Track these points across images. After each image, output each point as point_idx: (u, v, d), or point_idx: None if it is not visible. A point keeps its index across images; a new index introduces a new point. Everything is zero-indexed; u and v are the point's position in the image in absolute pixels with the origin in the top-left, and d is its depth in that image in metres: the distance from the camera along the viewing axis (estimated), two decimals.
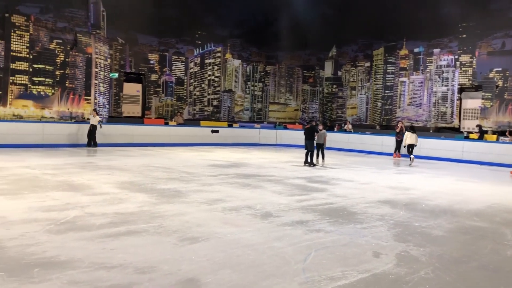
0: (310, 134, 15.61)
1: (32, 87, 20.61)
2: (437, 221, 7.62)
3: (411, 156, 17.90)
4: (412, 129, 18.53)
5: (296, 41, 29.65)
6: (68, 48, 21.55)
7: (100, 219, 6.62)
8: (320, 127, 16.43)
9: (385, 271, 4.91)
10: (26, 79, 20.47)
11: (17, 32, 20.15)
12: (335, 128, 26.72)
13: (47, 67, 21.00)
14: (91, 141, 19.51)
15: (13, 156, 14.89)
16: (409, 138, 18.16)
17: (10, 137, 18.04)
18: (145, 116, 24.68)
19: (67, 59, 21.57)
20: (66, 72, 21.57)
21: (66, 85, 21.56)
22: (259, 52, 29.82)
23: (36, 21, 20.63)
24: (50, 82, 21.11)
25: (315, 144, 15.78)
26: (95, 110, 20.14)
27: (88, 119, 20.20)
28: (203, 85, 27.39)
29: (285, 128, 27.90)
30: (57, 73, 21.29)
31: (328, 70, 29.37)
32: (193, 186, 10.17)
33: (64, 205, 7.49)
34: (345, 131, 25.44)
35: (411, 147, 18.08)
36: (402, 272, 4.88)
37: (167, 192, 9.25)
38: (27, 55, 20.43)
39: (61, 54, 21.42)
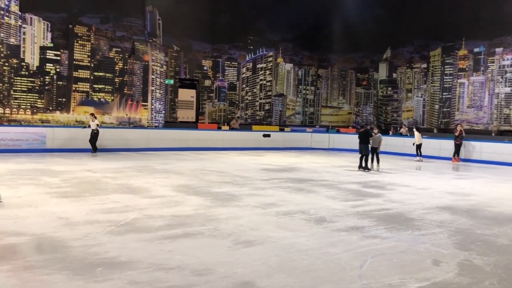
0: (364, 138, 15.32)
1: (93, 94, 21.59)
2: (501, 229, 7.24)
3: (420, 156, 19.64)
4: (418, 129, 20.32)
5: (349, 44, 29.23)
6: (126, 56, 22.41)
7: (158, 221, 6.82)
8: (375, 131, 16.09)
9: (446, 280, 4.72)
10: (88, 87, 21.48)
11: (79, 42, 21.21)
12: (390, 132, 26.05)
13: (107, 74, 21.94)
14: (95, 147, 18.46)
15: (76, 160, 15.65)
16: (418, 138, 19.75)
17: (73, 142, 18.98)
18: (199, 121, 25.18)
19: (125, 67, 22.43)
20: (125, 79, 22.43)
21: (125, 91, 22.42)
22: (311, 56, 29.66)
23: (97, 31, 21.63)
24: (110, 89, 22.03)
25: (369, 148, 15.46)
26: (92, 114, 18.99)
27: (89, 126, 18.69)
28: (255, 90, 27.60)
29: (338, 132, 27.54)
30: (116, 80, 22.19)
31: (382, 72, 28.72)
32: (246, 190, 10.25)
33: (123, 207, 7.77)
34: (400, 134, 24.74)
35: (419, 147, 19.77)
36: (465, 282, 4.67)
37: (221, 195, 9.38)
38: (89, 64, 21.43)
39: (120, 62, 22.31)
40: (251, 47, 27.33)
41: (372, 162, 15.74)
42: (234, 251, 5.50)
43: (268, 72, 27.94)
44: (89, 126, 18.59)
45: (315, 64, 29.87)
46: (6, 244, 5.41)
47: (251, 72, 27.41)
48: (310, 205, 8.61)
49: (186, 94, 25.22)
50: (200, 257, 5.17)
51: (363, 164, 15.37)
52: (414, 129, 20.65)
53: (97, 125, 18.61)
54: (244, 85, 27.20)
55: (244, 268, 4.88)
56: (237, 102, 26.96)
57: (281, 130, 26.43)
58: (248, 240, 5.97)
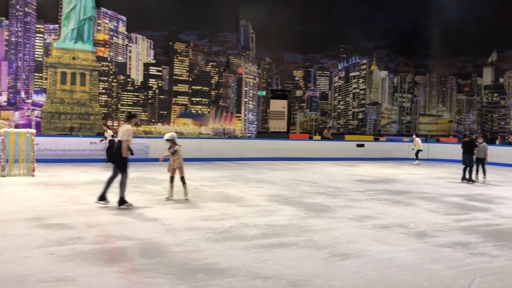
0: (468, 148, 14.32)
1: (191, 106, 22.70)
2: None
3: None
4: (417, 135, 22.01)
5: (449, 48, 27.65)
6: (222, 70, 23.28)
7: (253, 230, 6.92)
8: (480, 140, 14.97)
9: None
10: (186, 100, 22.64)
11: (179, 57, 22.47)
12: (497, 141, 24.08)
13: (203, 88, 22.96)
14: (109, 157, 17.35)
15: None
16: (418, 143, 21.23)
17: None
18: (291, 131, 25.31)
19: (220, 80, 23.31)
20: (220, 92, 23.30)
21: (220, 104, 23.27)
22: (407, 62, 28.53)
23: (195, 47, 22.76)
24: (206, 102, 23.01)
25: (474, 159, 14.41)
26: (105, 124, 18.81)
27: (105, 137, 17.93)
28: (347, 99, 27.13)
29: (438, 141, 26.04)
30: (212, 93, 23.13)
31: (487, 77, 26.73)
32: (341, 201, 10.05)
33: (220, 215, 8.01)
34: (509, 143, 22.77)
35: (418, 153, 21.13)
36: None
37: (315, 206, 9.28)
38: (187, 78, 22.60)
39: (216, 75, 23.24)
40: (344, 56, 26.98)
41: (477, 173, 14.64)
42: (331, 263, 5.40)
43: (361, 80, 27.34)
44: (106, 138, 17.80)
45: (411, 70, 28.65)
46: (115, 247, 5.83)
47: (343, 81, 27.02)
48: (409, 219, 8.20)
49: (278, 105, 25.51)
50: (296, 268, 5.15)
51: (467, 176, 14.35)
52: (414, 136, 22.00)
53: (112, 135, 17.55)
54: (336, 94, 26.88)
55: (342, 281, 4.76)
56: (329, 112, 26.69)
57: (376, 139, 25.64)
58: (345, 253, 5.83)
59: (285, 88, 25.51)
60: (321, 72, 26.36)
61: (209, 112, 22.92)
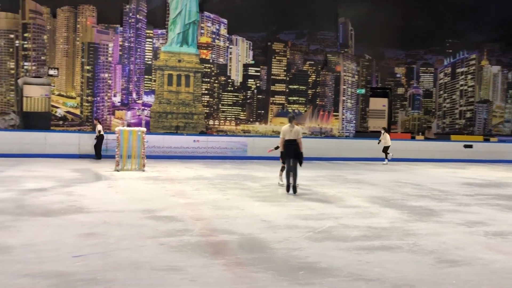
0: None
1: (288, 105, 22.89)
2: None
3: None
4: (386, 130, 19.56)
5: None
6: (319, 68, 23.15)
7: (354, 231, 6.81)
8: None
9: None
10: (283, 99, 22.86)
11: (276, 57, 22.76)
12: None
13: (300, 87, 23.02)
14: (99, 153, 17.53)
15: (273, 167, 16.72)
16: (386, 139, 18.90)
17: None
18: (391, 131, 24.38)
19: (318, 79, 23.20)
20: (317, 90, 23.19)
21: (317, 102, 23.17)
22: None
23: (292, 46, 22.91)
24: (303, 101, 23.03)
25: None
26: (96, 119, 18.51)
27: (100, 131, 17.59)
28: (454, 96, 25.50)
29: None
30: (309, 92, 23.10)
31: None
32: (447, 205, 9.49)
33: (319, 215, 7.99)
34: None
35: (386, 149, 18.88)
36: None
37: (419, 209, 8.87)
38: (284, 77, 22.81)
39: (313, 74, 23.17)
40: (450, 51, 25.38)
41: None
42: (438, 269, 5.14)
43: (469, 76, 25.52)
44: (100, 132, 17.54)
45: None
46: (220, 241, 6.08)
47: (449, 78, 25.43)
48: None
49: (378, 103, 24.74)
50: (400, 272, 4.97)
51: None
52: (383, 130, 19.42)
53: (99, 131, 17.50)
54: (441, 92, 25.39)
55: None
56: (433, 110, 25.30)
57: (486, 140, 23.77)
58: (453, 260, 5.50)
59: (386, 86, 24.65)
60: (425, 68, 25.06)
61: (305, 111, 22.94)
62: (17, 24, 19.81)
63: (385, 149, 19.15)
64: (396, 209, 8.80)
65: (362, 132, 23.73)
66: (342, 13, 23.60)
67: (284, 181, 10.71)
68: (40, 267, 4.78)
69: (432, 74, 25.27)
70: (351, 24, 23.74)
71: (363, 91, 24.20)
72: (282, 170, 11.38)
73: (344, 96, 23.60)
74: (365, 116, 24.32)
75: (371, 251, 5.77)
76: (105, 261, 5.07)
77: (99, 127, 17.53)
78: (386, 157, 19.19)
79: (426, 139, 22.89)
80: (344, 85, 23.60)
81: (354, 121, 23.93)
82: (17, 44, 19.90)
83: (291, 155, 10.35)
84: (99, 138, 17.48)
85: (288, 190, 10.36)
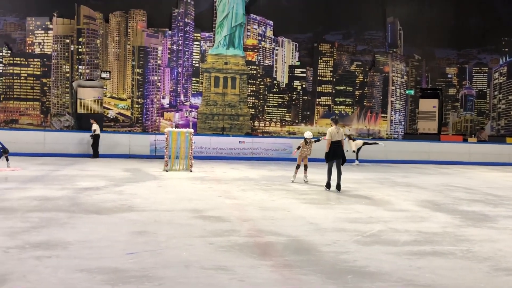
0: None
1: (334, 107, 22.65)
2: None
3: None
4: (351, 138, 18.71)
5: None
6: (367, 69, 22.77)
7: (404, 236, 6.65)
8: None
9: None
10: (330, 100, 22.64)
11: (323, 58, 22.59)
12: None
13: (347, 88, 22.73)
14: (96, 151, 17.88)
15: (319, 169, 16.56)
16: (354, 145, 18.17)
17: (316, 152, 20.19)
18: (442, 133, 23.61)
19: (365, 80, 22.82)
20: (364, 91, 22.82)
21: (364, 104, 22.80)
22: None
23: (339, 47, 22.67)
24: (350, 102, 22.73)
25: None
26: (93, 118, 18.58)
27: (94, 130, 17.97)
28: (510, 97, 24.36)
29: None
30: (356, 93, 22.76)
31: None
32: (503, 210, 9.08)
33: (367, 218, 7.85)
34: None
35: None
36: None
37: (471, 214, 8.54)
38: (331, 78, 22.59)
39: (360, 75, 22.82)
40: (506, 49, 24.26)
41: None
42: (494, 277, 4.93)
43: None
44: (94, 132, 17.87)
45: None
46: (267, 242, 6.11)
47: (505, 77, 24.32)
48: None
49: (428, 104, 23.98)
50: (453, 279, 4.81)
51: None
52: (347, 138, 17.75)
53: (94, 130, 17.79)
54: (496, 92, 24.33)
55: None
56: (487, 112, 24.28)
57: None
58: (511, 268, 5.26)
59: (436, 87, 23.88)
60: (478, 68, 24.08)
61: (352, 112, 22.62)
62: (72, 29, 20.72)
63: (358, 151, 18.74)
64: (447, 214, 8.51)
65: (411, 134, 23.11)
66: (390, 12, 23.10)
67: (324, 179, 11.61)
68: (95, 262, 4.98)
69: (486, 74, 24.27)
70: (400, 24, 23.20)
71: (412, 92, 23.57)
72: (297, 168, 12.49)
73: (392, 97, 23.09)
74: (415, 117, 23.67)
75: (422, 256, 5.62)
76: (156, 258, 5.21)
77: (94, 126, 17.76)
78: (357, 158, 18.70)
79: (479, 141, 21.99)
80: (393, 86, 23.09)
81: (403, 123, 23.36)
82: (72, 49, 20.80)
83: (338, 156, 10.95)
84: (95, 138, 17.77)
85: (329, 187, 11.09)
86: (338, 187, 10.91)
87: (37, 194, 9.17)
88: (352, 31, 22.64)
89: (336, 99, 22.54)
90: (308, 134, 12.55)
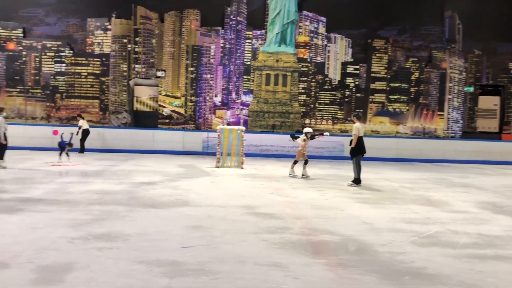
0: None
1: (388, 104, 22.08)
2: None
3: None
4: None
5: None
6: (423, 65, 22.02)
7: (463, 238, 6.40)
8: None
9: None
10: (383, 97, 22.10)
11: (377, 55, 22.06)
12: None
13: (402, 85, 22.08)
14: (82, 147, 17.69)
15: (372, 168, 16.28)
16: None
17: (368, 151, 19.76)
18: (503, 132, 22.45)
19: (421, 76, 22.08)
20: (420, 88, 22.09)
21: (420, 101, 22.07)
22: None
23: (394, 43, 22.04)
24: (405, 99, 22.07)
25: None
26: (79, 115, 18.39)
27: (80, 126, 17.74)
28: None
29: None
30: (411, 90, 22.07)
31: None
32: None
33: (424, 219, 7.62)
34: None
35: None
36: None
37: None
38: (385, 75, 22.03)
39: (416, 71, 22.10)
40: None
41: None
42: None
43: None
44: (80, 128, 17.64)
45: None
46: (320, 241, 6.07)
47: None
48: None
49: (488, 102, 22.88)
50: None
51: None
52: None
53: (80, 126, 17.65)
54: None
55: None
56: None
57: None
58: None
59: (498, 83, 22.71)
60: None
61: (407, 110, 21.93)
62: (129, 29, 21.40)
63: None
64: (510, 217, 8.11)
65: (470, 133, 22.14)
66: (449, 6, 22.18)
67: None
68: (153, 255, 5.15)
69: None
70: (459, 18, 22.23)
71: (471, 89, 22.54)
72: (295, 163, 12.86)
73: (450, 95, 22.19)
74: (473, 115, 22.64)
75: (483, 260, 5.40)
76: (211, 253, 5.31)
77: (80, 122, 17.75)
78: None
79: None
80: (450, 82, 22.19)
81: (461, 121, 22.41)
82: (129, 48, 21.50)
83: (364, 150, 11.55)
84: (84, 133, 17.71)
85: (359, 183, 11.44)
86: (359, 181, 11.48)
87: (97, 188, 9.59)
88: (408, 26, 21.95)
89: (391, 97, 21.94)
90: (309, 130, 13.24)
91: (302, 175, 12.62)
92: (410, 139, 20.82)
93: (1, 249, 5.18)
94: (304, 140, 12.78)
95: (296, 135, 14.63)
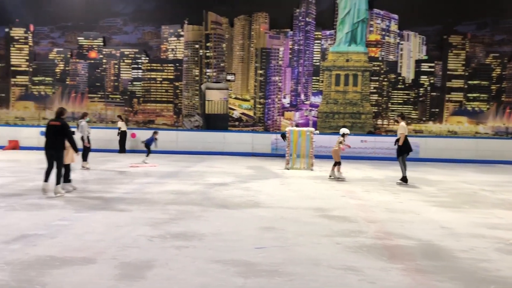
0: None
1: (466, 103, 20.94)
2: None
3: None
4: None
5: None
6: (505, 61, 20.66)
7: None
8: None
9: None
10: (461, 96, 21.00)
11: (453, 51, 21.01)
12: None
13: (482, 82, 20.86)
14: (122, 147, 19.18)
15: (449, 170, 15.53)
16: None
17: (445, 152, 18.97)
18: None
19: (503, 73, 20.73)
20: (503, 86, 20.74)
21: (502, 99, 20.74)
22: None
23: (472, 38, 20.88)
24: (485, 97, 20.84)
25: None
26: (119, 116, 19.94)
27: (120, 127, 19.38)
28: None
29: None
30: (492, 87, 20.79)
31: None
32: None
33: (510, 225, 7.15)
34: None
35: None
36: None
37: None
38: (462, 73, 20.92)
39: (498, 68, 20.79)
40: None
41: None
42: None
43: None
44: (120, 129, 19.27)
45: None
46: (396, 245, 5.88)
47: None
48: None
49: None
50: None
51: None
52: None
53: (119, 127, 19.26)
54: None
55: None
56: None
57: None
58: None
59: None
60: None
61: (488, 108, 20.64)
62: (201, 35, 22.05)
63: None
64: None
65: None
66: None
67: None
68: (228, 255, 5.26)
69: None
70: None
71: None
72: (335, 165, 12.34)
73: None
74: None
75: None
76: (284, 255, 5.33)
77: (119, 124, 19.26)
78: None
79: None
80: None
81: None
82: (200, 53, 22.14)
83: (410, 149, 11.61)
84: (122, 135, 19.04)
85: (407, 181, 11.48)
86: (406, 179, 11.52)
87: (173, 188, 9.97)
88: (488, 20, 20.66)
89: (469, 95, 20.77)
90: (346, 131, 12.89)
91: (332, 176, 12.38)
92: (491, 140, 19.63)
93: (88, 245, 5.54)
94: (341, 142, 12.62)
95: (287, 134, 14.96)
